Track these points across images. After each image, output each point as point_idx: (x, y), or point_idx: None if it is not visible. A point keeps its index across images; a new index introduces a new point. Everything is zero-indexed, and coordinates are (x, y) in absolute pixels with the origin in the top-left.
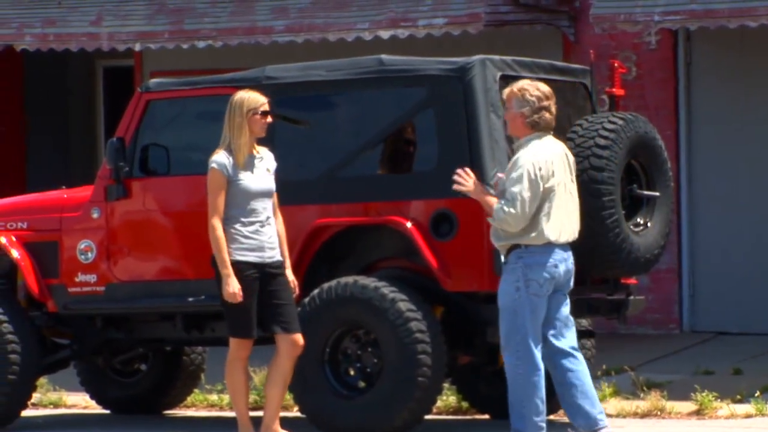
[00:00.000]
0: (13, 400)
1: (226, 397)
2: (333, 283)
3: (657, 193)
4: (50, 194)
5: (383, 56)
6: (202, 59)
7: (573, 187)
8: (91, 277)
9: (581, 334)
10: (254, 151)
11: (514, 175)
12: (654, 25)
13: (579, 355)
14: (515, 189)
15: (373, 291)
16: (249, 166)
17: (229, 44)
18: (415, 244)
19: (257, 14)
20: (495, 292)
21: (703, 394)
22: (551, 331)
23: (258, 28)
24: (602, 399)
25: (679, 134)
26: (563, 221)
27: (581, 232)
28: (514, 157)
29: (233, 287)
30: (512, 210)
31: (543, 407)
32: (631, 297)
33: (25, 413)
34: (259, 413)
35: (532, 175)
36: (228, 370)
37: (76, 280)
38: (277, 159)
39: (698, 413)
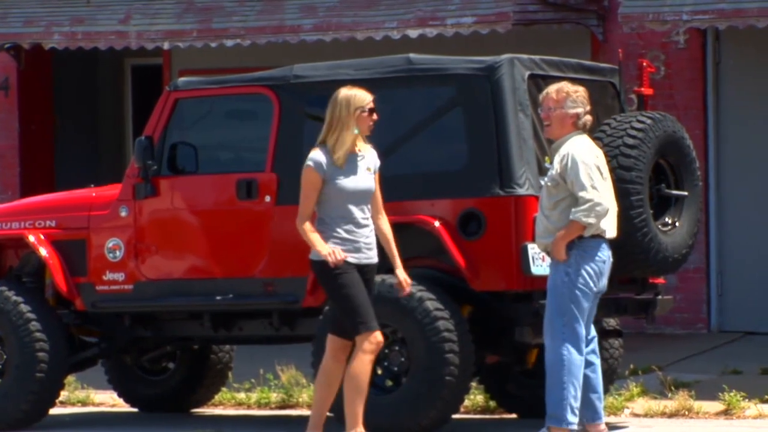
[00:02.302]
0: (42, 398)
1: (253, 396)
2: None
3: (685, 193)
4: (79, 192)
5: (411, 55)
6: (230, 58)
7: (612, 188)
8: (119, 276)
9: (609, 334)
10: (356, 150)
11: (573, 169)
12: (682, 25)
13: (597, 352)
14: (584, 178)
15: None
16: (348, 164)
17: (257, 43)
18: (443, 244)
19: (285, 13)
20: (522, 291)
21: (731, 393)
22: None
23: (286, 26)
24: (630, 398)
25: (707, 133)
26: (612, 216)
27: None
28: (562, 154)
29: (327, 249)
30: (594, 195)
31: (579, 393)
32: (659, 296)
33: (53, 411)
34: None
35: (595, 163)
36: (354, 366)
37: (104, 278)
38: (305, 158)
39: (726, 413)
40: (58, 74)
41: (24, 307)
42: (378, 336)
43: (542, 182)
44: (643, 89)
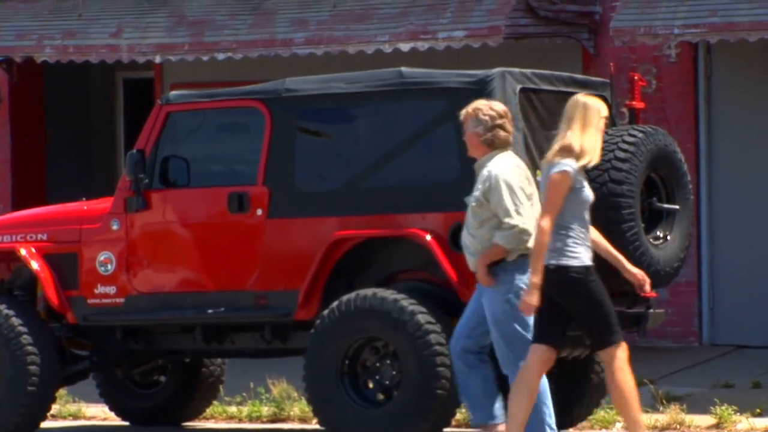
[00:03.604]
0: (33, 411)
1: (245, 409)
2: (352, 295)
3: (677, 206)
4: (70, 206)
5: (403, 69)
6: (222, 71)
7: (537, 203)
8: (111, 289)
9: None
10: None
11: (496, 189)
12: (674, 38)
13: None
14: (508, 202)
15: (393, 303)
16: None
17: (249, 56)
18: (434, 257)
19: (277, 26)
20: None
21: (723, 407)
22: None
23: (278, 40)
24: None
25: (699, 147)
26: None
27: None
28: (485, 174)
29: (536, 300)
30: (518, 221)
31: (552, 411)
32: (651, 310)
33: (44, 424)
34: (278, 425)
35: (519, 183)
36: (620, 378)
37: (96, 291)
38: (296, 171)
39: (717, 427)
40: (50, 88)
41: (15, 321)
42: (624, 345)
43: (466, 201)
44: (634, 103)
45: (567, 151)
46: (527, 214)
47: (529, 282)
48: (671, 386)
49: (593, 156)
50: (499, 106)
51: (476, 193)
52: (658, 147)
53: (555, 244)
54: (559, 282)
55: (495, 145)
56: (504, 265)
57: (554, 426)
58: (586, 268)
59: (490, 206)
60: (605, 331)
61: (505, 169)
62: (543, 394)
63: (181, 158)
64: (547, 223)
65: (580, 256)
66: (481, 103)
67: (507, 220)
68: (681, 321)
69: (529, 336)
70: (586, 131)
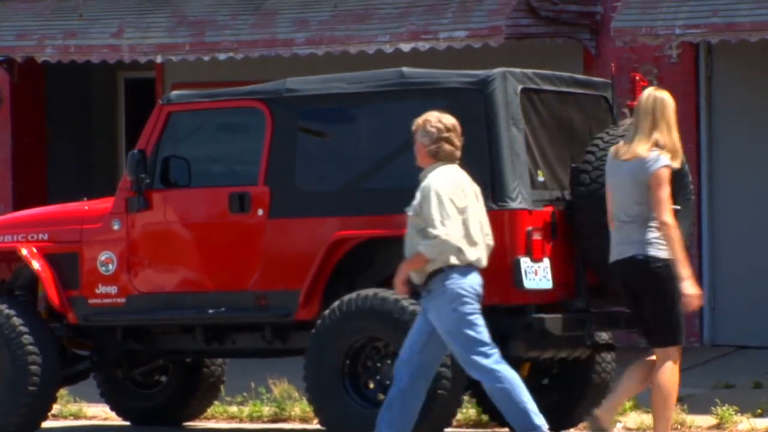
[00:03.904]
0: (34, 411)
1: (245, 409)
2: (353, 295)
3: (677, 207)
4: (71, 206)
5: (404, 69)
6: (223, 71)
7: (482, 219)
8: (112, 289)
9: (601, 347)
10: None
11: (427, 199)
12: (675, 39)
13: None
14: (435, 212)
15: (393, 303)
16: None
17: (250, 56)
18: None
19: (278, 27)
20: (515, 305)
21: (724, 407)
22: (431, 347)
23: (279, 40)
24: (622, 412)
25: (700, 147)
26: (479, 246)
27: (602, 245)
28: (421, 185)
29: (696, 289)
30: (442, 231)
31: (529, 396)
32: None
33: (45, 424)
34: (279, 425)
35: (449, 195)
36: (667, 379)
37: (97, 291)
38: (297, 171)
39: (718, 427)
40: (51, 88)
41: (16, 320)
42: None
43: (406, 211)
44: (635, 103)
45: (658, 146)
46: (453, 227)
47: (685, 276)
48: None
49: (681, 156)
50: (448, 120)
51: (414, 202)
52: None
53: (643, 236)
54: (645, 272)
55: (439, 157)
56: (442, 276)
57: (537, 411)
58: (672, 261)
59: (423, 216)
60: (675, 329)
61: (440, 181)
62: (516, 385)
63: (182, 158)
64: (669, 217)
65: (666, 249)
66: (431, 115)
67: (430, 229)
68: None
69: (482, 335)
70: (671, 129)
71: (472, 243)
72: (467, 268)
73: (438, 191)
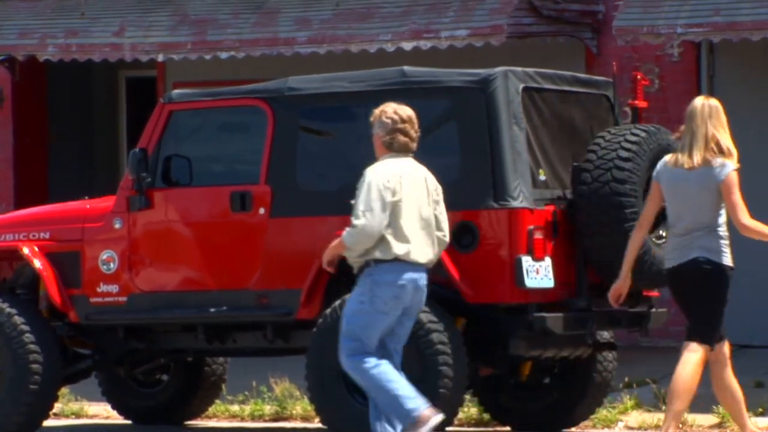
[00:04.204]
0: (35, 409)
1: (247, 408)
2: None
3: None
4: (72, 204)
5: (405, 68)
6: (225, 70)
7: (429, 212)
8: (113, 288)
9: (603, 347)
10: None
11: (361, 189)
12: (677, 38)
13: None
14: (361, 202)
15: None
16: None
17: (252, 55)
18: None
19: (280, 25)
20: (516, 303)
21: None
22: (393, 345)
23: (280, 39)
24: (624, 411)
25: None
26: (415, 240)
27: (604, 244)
28: (364, 174)
29: None
30: (362, 222)
31: (404, 383)
32: (653, 309)
33: (46, 423)
34: (280, 424)
35: (380, 186)
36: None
37: (98, 290)
38: (299, 170)
39: (720, 426)
40: (53, 86)
41: (18, 319)
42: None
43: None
44: (637, 102)
45: (721, 152)
46: (376, 219)
47: None
48: None
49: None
50: (403, 111)
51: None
52: (660, 146)
53: (711, 243)
54: (709, 277)
55: (393, 149)
56: (368, 270)
57: (413, 393)
58: (732, 270)
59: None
60: (714, 331)
61: (377, 172)
62: (387, 373)
63: (183, 157)
64: (748, 219)
65: (729, 256)
66: (388, 106)
67: (353, 218)
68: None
69: (365, 341)
70: (727, 134)
71: (401, 237)
72: (393, 263)
73: (370, 182)
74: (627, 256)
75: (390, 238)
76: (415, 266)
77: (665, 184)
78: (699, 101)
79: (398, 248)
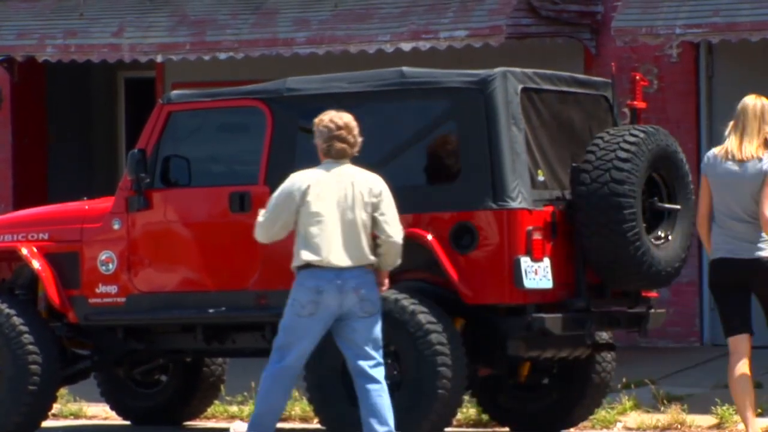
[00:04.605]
0: (34, 410)
1: (246, 409)
2: None
3: (678, 206)
4: (71, 205)
5: (404, 68)
6: (224, 71)
7: (357, 216)
8: (112, 288)
9: (602, 347)
10: None
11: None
12: (675, 38)
13: (378, 375)
14: (268, 203)
15: (393, 303)
16: None
17: (251, 56)
18: (435, 257)
19: (278, 26)
20: (515, 304)
21: (724, 407)
22: (349, 353)
23: (279, 39)
24: (622, 412)
25: (700, 147)
26: (330, 245)
27: (602, 245)
28: None
29: None
30: (258, 220)
31: (275, 409)
32: (652, 310)
33: (45, 424)
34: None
35: (286, 191)
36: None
37: (97, 291)
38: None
39: (718, 427)
40: (52, 87)
41: (17, 320)
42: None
43: None
44: (636, 103)
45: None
46: (269, 220)
47: None
48: (672, 386)
49: None
50: (340, 119)
51: None
52: (659, 147)
53: (758, 236)
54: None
55: (331, 155)
56: (296, 275)
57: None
58: None
59: None
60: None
61: (292, 178)
62: (266, 384)
63: (182, 158)
64: None
65: None
66: (326, 114)
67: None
68: (682, 321)
69: (286, 348)
70: None
71: (311, 244)
72: (309, 269)
73: (283, 186)
74: (706, 246)
75: (300, 246)
76: (335, 270)
77: (712, 176)
78: (752, 100)
79: (307, 255)
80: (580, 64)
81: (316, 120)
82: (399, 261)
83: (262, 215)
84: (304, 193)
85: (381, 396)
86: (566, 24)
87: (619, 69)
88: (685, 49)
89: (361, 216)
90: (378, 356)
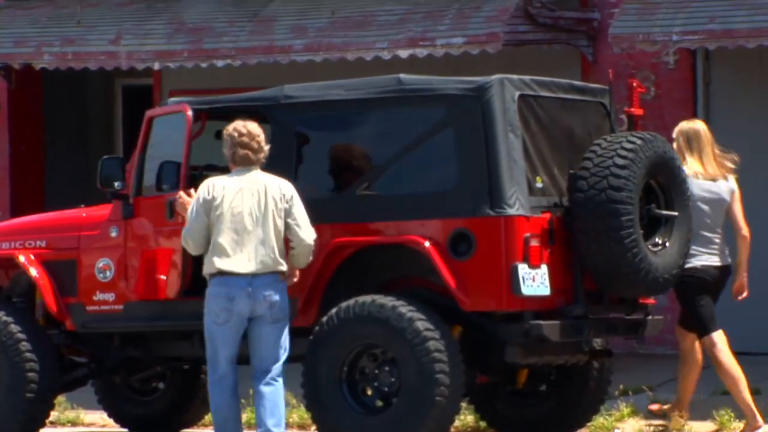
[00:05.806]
0: (32, 418)
1: (243, 416)
2: (351, 302)
3: (675, 213)
4: (69, 213)
5: (402, 75)
6: (221, 78)
7: (265, 222)
8: (110, 296)
9: (599, 354)
10: None
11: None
12: (672, 45)
13: (278, 377)
14: (189, 211)
15: (391, 310)
16: None
17: (248, 63)
18: (433, 264)
19: (276, 33)
20: (512, 311)
21: (723, 413)
22: (254, 353)
23: (277, 47)
24: (620, 419)
25: None
26: (237, 252)
27: (600, 252)
28: None
29: None
30: (184, 229)
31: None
32: (650, 317)
33: (43, 431)
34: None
35: (200, 199)
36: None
37: (95, 298)
38: (295, 178)
39: None
40: (49, 94)
41: (14, 327)
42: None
43: None
44: (633, 109)
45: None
46: (190, 232)
47: None
48: (670, 393)
49: None
50: (243, 127)
51: None
52: (656, 154)
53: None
54: None
55: (236, 162)
56: (208, 283)
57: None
58: None
59: None
60: None
61: (204, 185)
62: (215, 398)
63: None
64: None
65: None
66: (232, 124)
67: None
68: None
69: (213, 357)
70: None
71: (220, 251)
72: (217, 277)
73: (197, 193)
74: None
75: (211, 253)
76: (243, 277)
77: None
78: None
79: (219, 263)
80: (577, 71)
81: (224, 130)
82: (311, 260)
83: (186, 225)
84: (215, 200)
85: (278, 396)
86: (563, 31)
87: (616, 76)
88: (682, 55)
89: (274, 222)
90: (281, 359)
